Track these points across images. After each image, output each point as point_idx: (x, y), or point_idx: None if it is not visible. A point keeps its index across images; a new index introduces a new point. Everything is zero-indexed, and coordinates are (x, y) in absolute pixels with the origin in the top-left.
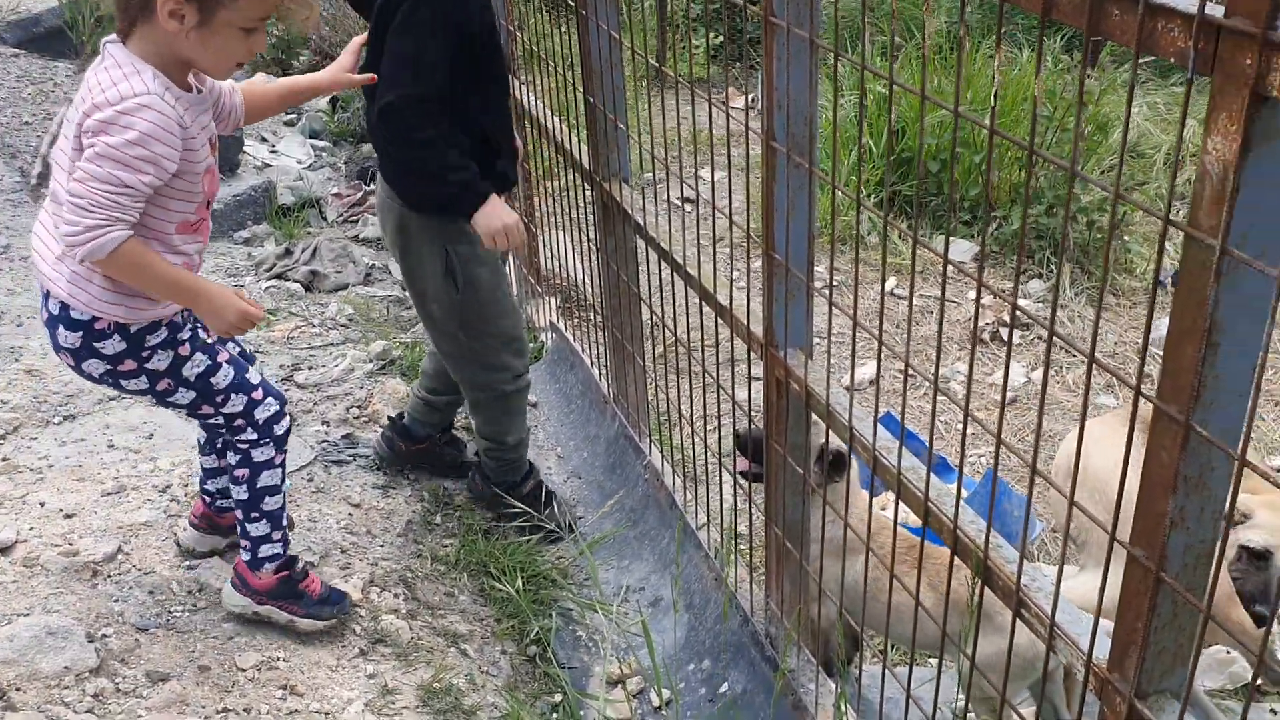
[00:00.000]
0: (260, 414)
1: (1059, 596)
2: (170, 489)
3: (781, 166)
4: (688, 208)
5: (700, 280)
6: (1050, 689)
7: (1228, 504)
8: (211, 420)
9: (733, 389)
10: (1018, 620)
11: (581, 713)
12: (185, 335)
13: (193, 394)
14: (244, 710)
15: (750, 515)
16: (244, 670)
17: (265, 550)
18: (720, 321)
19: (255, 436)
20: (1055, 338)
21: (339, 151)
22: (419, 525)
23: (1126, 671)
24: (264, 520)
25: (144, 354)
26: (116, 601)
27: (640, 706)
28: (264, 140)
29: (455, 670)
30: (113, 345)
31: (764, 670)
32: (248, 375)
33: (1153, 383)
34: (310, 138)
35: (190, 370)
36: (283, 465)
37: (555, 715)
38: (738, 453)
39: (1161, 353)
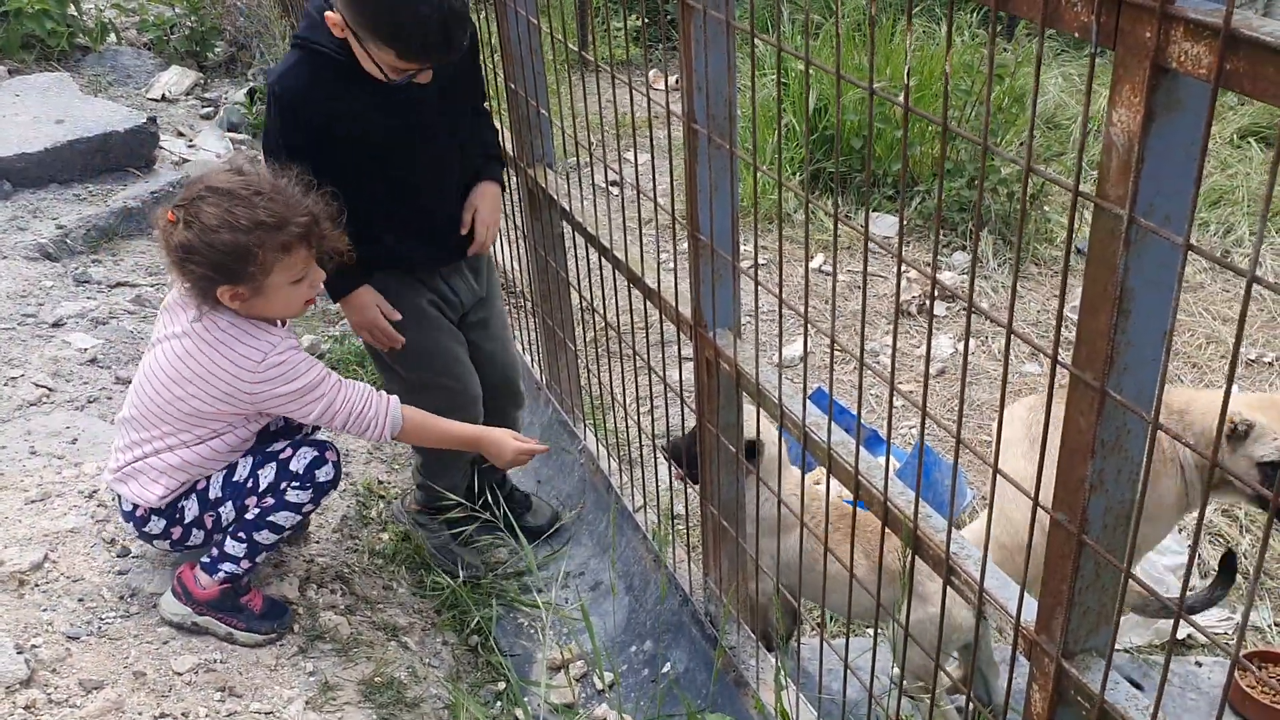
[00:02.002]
0: (296, 465)
1: (986, 562)
2: (97, 494)
3: (703, 148)
4: (614, 191)
5: (628, 264)
6: (981, 657)
7: (1143, 466)
8: (270, 500)
9: (664, 371)
10: (948, 587)
11: (525, 699)
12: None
13: (230, 500)
14: (182, 715)
15: (686, 495)
16: (180, 674)
17: (226, 567)
18: (650, 304)
19: (299, 484)
20: (975, 309)
21: (258, 144)
22: (354, 520)
23: (1053, 633)
24: (246, 545)
25: (178, 515)
26: (45, 611)
27: (584, 690)
28: (181, 135)
29: (396, 664)
30: (157, 525)
31: (705, 648)
32: (269, 447)
33: (1070, 349)
34: (229, 130)
35: (213, 491)
36: (306, 515)
37: (499, 703)
38: (673, 463)
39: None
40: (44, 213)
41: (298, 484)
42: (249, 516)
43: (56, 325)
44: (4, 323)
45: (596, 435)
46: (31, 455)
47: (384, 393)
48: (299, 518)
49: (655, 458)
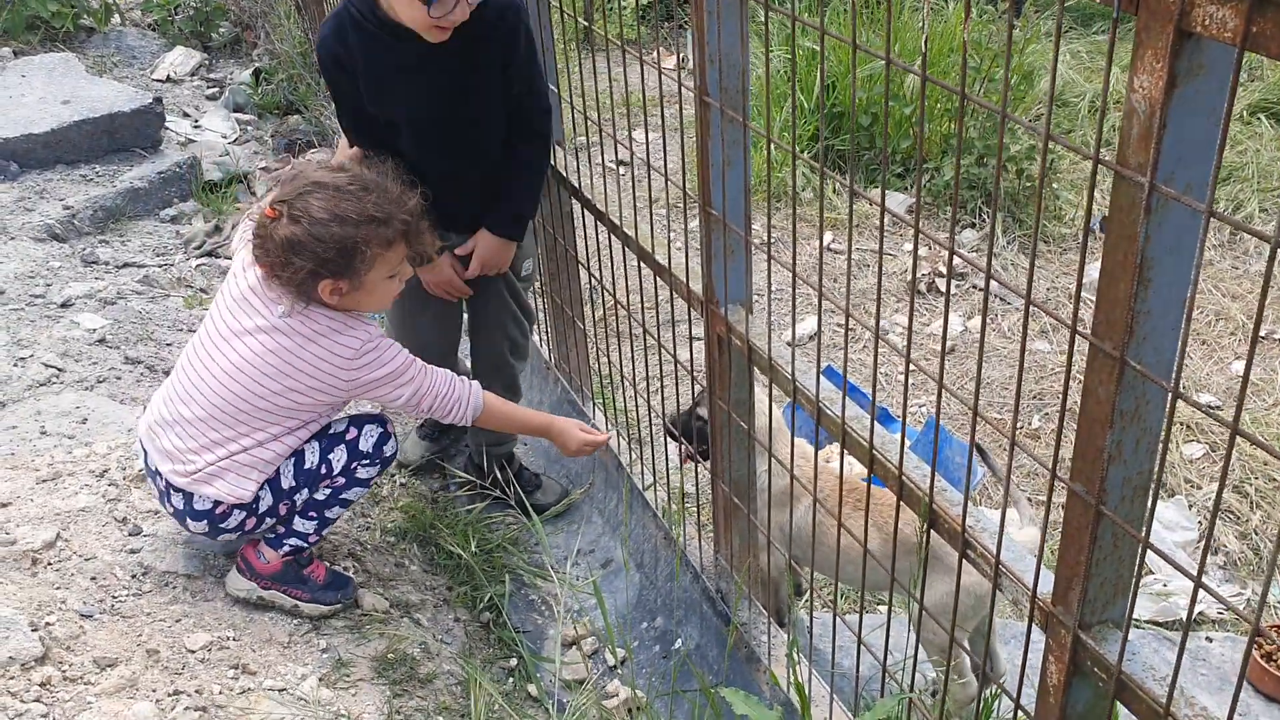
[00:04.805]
0: (365, 445)
1: (1003, 535)
2: (108, 473)
3: (715, 121)
4: (622, 170)
5: (638, 240)
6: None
7: (1162, 436)
8: (342, 480)
9: (674, 348)
10: (964, 561)
11: (538, 675)
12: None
13: (305, 487)
14: (196, 691)
15: (697, 473)
16: (194, 651)
17: (292, 541)
18: (660, 281)
19: (369, 461)
20: (991, 284)
21: (264, 124)
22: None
23: (1070, 604)
24: (316, 521)
25: (254, 505)
26: (59, 589)
27: (596, 666)
28: (186, 115)
29: (409, 640)
30: (236, 519)
31: (716, 624)
32: (332, 430)
33: (1086, 324)
34: (234, 111)
35: (286, 480)
36: (369, 485)
37: (511, 679)
38: (672, 439)
39: (1095, 294)
40: (51, 193)
41: (367, 461)
42: (320, 497)
43: (65, 306)
44: (13, 303)
45: (606, 414)
46: (42, 435)
47: (465, 378)
48: (366, 491)
49: (665, 437)
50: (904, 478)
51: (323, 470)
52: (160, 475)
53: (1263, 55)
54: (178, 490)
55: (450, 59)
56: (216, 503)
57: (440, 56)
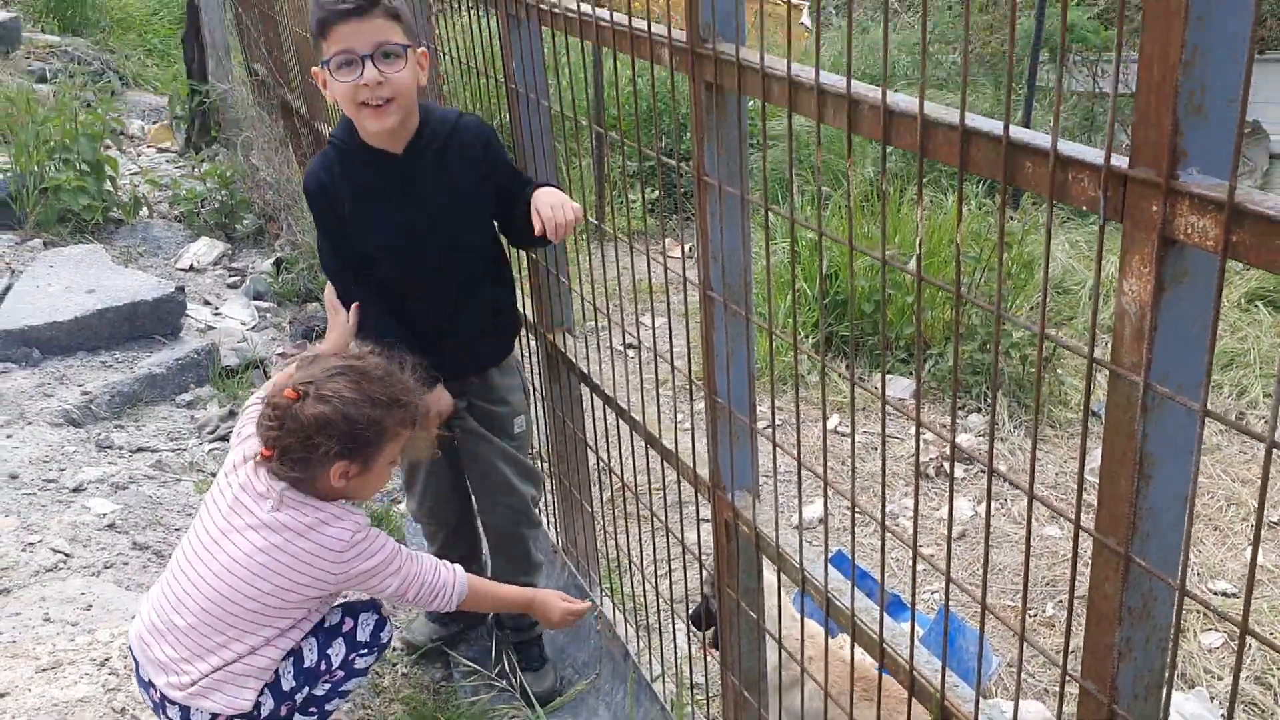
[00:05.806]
0: (362, 634)
1: None
2: (109, 661)
3: (719, 315)
4: (630, 353)
5: (645, 425)
6: None
7: (1172, 632)
8: (341, 673)
9: (682, 532)
10: None
11: None
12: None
13: (305, 686)
14: None
15: (705, 663)
16: None
17: None
18: (667, 465)
19: (366, 650)
20: (995, 473)
21: (283, 312)
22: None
23: None
24: (317, 716)
25: (255, 712)
26: None
27: None
28: (207, 303)
29: None
30: None
31: None
32: (326, 623)
33: (1092, 513)
34: (254, 299)
35: (287, 682)
36: (368, 674)
37: None
38: (697, 630)
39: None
40: (70, 379)
41: (365, 650)
42: (320, 692)
43: (77, 490)
44: (25, 488)
45: (614, 600)
46: (45, 622)
47: (448, 563)
48: (365, 680)
49: (674, 624)
50: (915, 673)
51: (322, 666)
52: (154, 688)
53: (1244, 263)
54: (174, 703)
55: (429, 179)
56: (214, 715)
57: (419, 176)
